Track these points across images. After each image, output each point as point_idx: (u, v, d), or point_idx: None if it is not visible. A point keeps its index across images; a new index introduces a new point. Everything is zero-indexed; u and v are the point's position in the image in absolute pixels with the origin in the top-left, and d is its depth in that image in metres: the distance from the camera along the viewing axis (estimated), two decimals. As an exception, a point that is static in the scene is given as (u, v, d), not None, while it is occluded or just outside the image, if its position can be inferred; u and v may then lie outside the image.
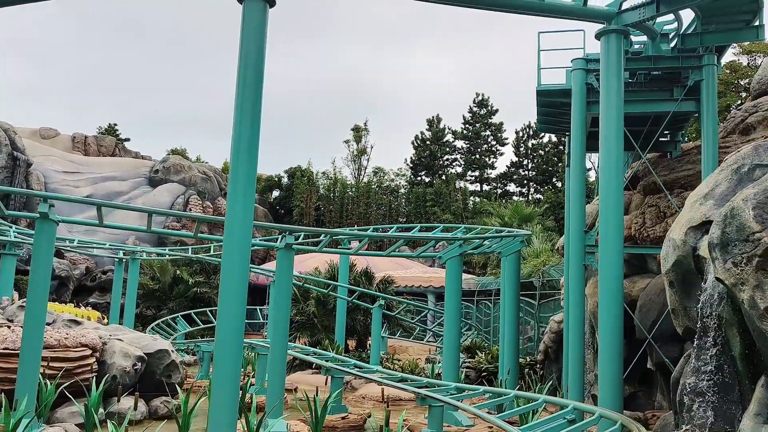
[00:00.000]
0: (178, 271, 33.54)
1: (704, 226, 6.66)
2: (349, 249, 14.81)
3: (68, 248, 26.93)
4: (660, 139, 14.10)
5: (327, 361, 14.01)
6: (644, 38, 11.65)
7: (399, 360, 22.32)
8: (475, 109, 55.26)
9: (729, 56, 42.94)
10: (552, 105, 13.05)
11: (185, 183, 45.63)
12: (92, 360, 12.73)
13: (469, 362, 19.78)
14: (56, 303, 29.93)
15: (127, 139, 61.64)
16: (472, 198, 51.40)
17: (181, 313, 29.06)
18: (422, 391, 10.54)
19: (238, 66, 8.07)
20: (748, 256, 5.60)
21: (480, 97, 55.35)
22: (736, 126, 12.45)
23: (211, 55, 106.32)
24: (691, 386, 6.78)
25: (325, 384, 15.49)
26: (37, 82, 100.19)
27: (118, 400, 11.78)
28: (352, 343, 25.91)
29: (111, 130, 61.81)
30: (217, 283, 31.22)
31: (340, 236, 15.67)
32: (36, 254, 10.17)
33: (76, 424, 11.02)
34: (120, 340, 13.71)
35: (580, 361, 11.13)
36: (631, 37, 12.22)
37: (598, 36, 10.13)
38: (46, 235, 10.22)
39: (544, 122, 14.09)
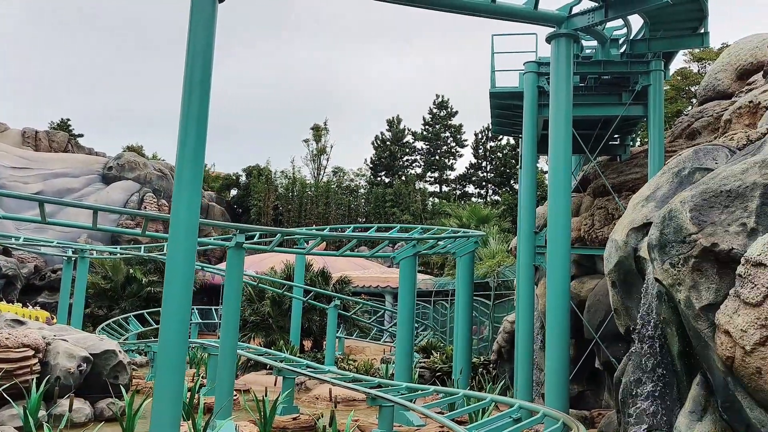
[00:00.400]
0: (131, 271, 32.87)
1: (645, 228, 6.79)
2: (303, 249, 14.66)
3: (14, 246, 26.10)
4: (610, 142, 14.36)
5: (279, 361, 13.87)
6: (596, 43, 11.85)
7: (355, 360, 22.27)
8: (435, 110, 55.57)
9: (680, 63, 44.04)
10: (505, 107, 13.17)
11: (140, 180, 44.76)
12: (34, 361, 12.34)
13: (424, 362, 19.85)
14: (2, 302, 29.04)
15: (81, 135, 60.14)
16: (431, 199, 51.68)
17: (134, 313, 28.48)
18: (372, 391, 10.50)
19: (186, 61, 7.89)
20: (684, 257, 5.71)
21: (440, 99, 55.70)
22: (682, 131, 12.76)
23: (170, 50, 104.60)
24: (632, 385, 6.90)
25: (275, 384, 15.37)
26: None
27: (55, 402, 11.43)
28: (308, 344, 25.75)
29: (64, 126, 60.23)
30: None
31: (294, 236, 15.50)
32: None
33: (15, 428, 10.68)
34: (65, 340, 13.33)
35: (530, 360, 11.25)
36: (583, 42, 12.44)
37: (548, 39, 10.25)
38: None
39: (499, 124, 14.22)
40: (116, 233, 36.87)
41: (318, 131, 54.22)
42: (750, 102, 8.68)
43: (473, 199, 52.75)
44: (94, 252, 22.23)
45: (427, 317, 31.29)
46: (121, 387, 13.51)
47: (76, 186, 42.81)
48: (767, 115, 8.01)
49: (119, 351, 13.96)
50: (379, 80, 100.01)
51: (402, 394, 10.75)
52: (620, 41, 11.84)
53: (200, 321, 30.85)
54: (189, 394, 11.75)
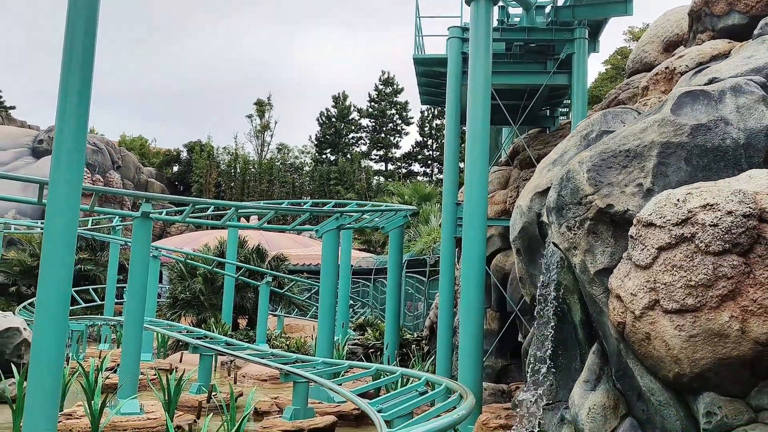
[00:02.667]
0: (60, 248, 31.47)
1: (549, 192, 6.50)
2: (216, 222, 14.04)
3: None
4: (539, 113, 14.17)
5: (196, 338, 13.33)
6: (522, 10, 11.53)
7: (291, 338, 21.83)
8: (380, 87, 54.93)
9: (620, 42, 44.49)
10: (431, 75, 12.77)
11: (73, 155, 42.97)
12: (-74, 340, 11.52)
13: (357, 339, 19.57)
14: None
15: (13, 108, 57.47)
16: (376, 177, 51.26)
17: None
18: (284, 367, 10.11)
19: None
20: (580, 220, 5.44)
21: (386, 75, 55.07)
22: (609, 103, 12.59)
23: (113, 21, 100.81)
24: (535, 356, 6.66)
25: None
26: None
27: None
28: (243, 322, 25.16)
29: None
30: (104, 260, 29.59)
31: (204, 206, 14.82)
32: None
33: None
34: (-37, 317, 12.50)
35: (449, 334, 10.99)
36: (510, 9, 12.12)
37: (468, 1, 9.86)
38: None
39: (427, 93, 13.83)
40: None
41: (261, 106, 53.02)
42: (666, 68, 8.48)
43: (419, 177, 52.54)
44: (12, 227, 21.05)
45: (368, 295, 31.02)
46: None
47: (5, 159, 40.85)
48: (681, 80, 7.82)
49: (24, 328, 13.17)
50: (324, 56, 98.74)
51: (317, 370, 10.38)
52: (546, 9, 11.56)
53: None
54: (96, 373, 11.15)
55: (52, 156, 7.25)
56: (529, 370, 7.06)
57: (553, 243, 5.85)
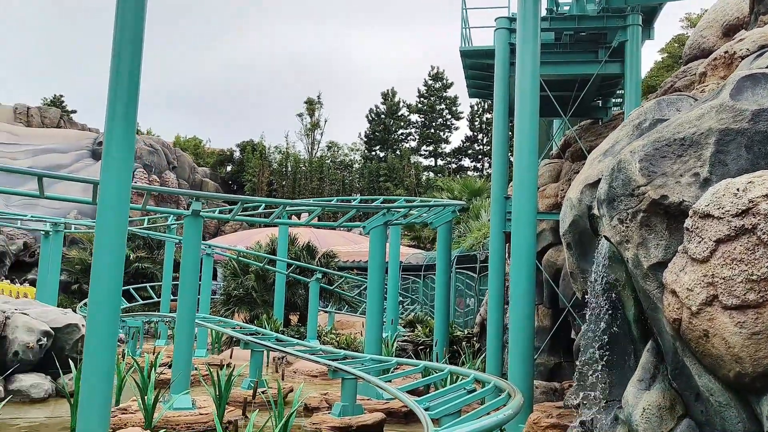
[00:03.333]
0: (120, 246, 32.44)
1: (599, 184, 6.25)
2: (264, 219, 14.13)
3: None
4: (591, 104, 13.78)
5: (247, 335, 13.47)
6: (573, -2, 11.22)
7: (341, 334, 21.91)
8: (430, 82, 54.63)
9: (677, 29, 43.03)
10: (479, 67, 12.56)
11: (131, 156, 44.22)
12: (-9, 335, 11.98)
13: (407, 336, 19.49)
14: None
15: (74, 111, 59.56)
16: (425, 173, 51.03)
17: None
18: (332, 363, 10.10)
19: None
20: (633, 212, 5.19)
21: (435, 71, 54.73)
22: (665, 91, 12.13)
23: (169, 26, 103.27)
24: (586, 354, 6.43)
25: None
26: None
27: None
28: (294, 318, 25.38)
29: (57, 102, 59.59)
30: (161, 258, 30.31)
31: (254, 204, 14.96)
32: None
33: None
34: (25, 314, 12.94)
35: (500, 331, 10.78)
36: (560, -3, 11.79)
37: (515, -9, 9.63)
38: None
39: (474, 86, 13.61)
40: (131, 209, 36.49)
41: (312, 105, 53.46)
42: (725, 53, 8.06)
43: (469, 172, 52.08)
44: (72, 227, 21.76)
45: (417, 291, 30.89)
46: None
47: (65, 161, 42.33)
48: (742, 65, 7.43)
49: (83, 325, 13.56)
50: (374, 53, 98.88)
51: (365, 367, 10.34)
52: (597, -4, 11.21)
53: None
54: (150, 368, 11.38)
55: (103, 157, 7.39)
56: (580, 369, 6.83)
57: (605, 236, 5.62)
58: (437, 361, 13.83)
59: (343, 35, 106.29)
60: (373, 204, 12.79)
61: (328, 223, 17.59)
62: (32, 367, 12.41)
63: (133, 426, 9.28)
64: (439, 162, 54.28)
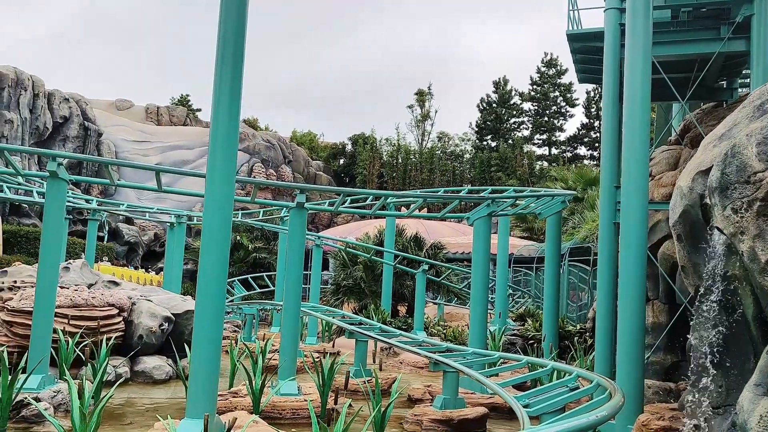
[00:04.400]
0: (238, 237, 34.07)
1: (711, 170, 5.76)
2: (366, 211, 14.24)
3: (121, 212, 27.79)
4: (714, 86, 12.79)
5: (352, 324, 13.70)
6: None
7: (448, 326, 21.82)
8: (543, 69, 53.01)
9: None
10: (588, 51, 11.97)
11: (249, 151, 46.24)
12: (119, 320, 12.89)
13: (516, 330, 19.08)
14: (125, 268, 31.06)
15: (199, 110, 63.00)
16: (539, 162, 49.68)
17: (239, 278, 29.54)
18: (434, 356, 10.04)
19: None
20: (748, 201, 4.74)
21: (548, 57, 53.04)
22: (799, 68, 11.06)
23: (291, 26, 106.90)
24: (698, 354, 5.99)
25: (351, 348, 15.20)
26: (115, 56, 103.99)
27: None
28: (402, 309, 25.55)
29: (184, 101, 63.26)
30: (276, 249, 31.52)
31: (358, 196, 15.13)
32: (48, 213, 10.21)
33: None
34: (149, 300, 13.84)
35: (610, 328, 10.26)
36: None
37: (625, -33, 9.07)
38: (56, 194, 10.24)
39: (583, 71, 13.00)
40: (238, 202, 38.47)
41: (422, 96, 53.46)
42: None
43: (585, 161, 50.15)
44: (194, 219, 23.05)
45: (529, 284, 30.16)
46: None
47: (191, 157, 44.93)
48: None
49: (200, 311, 14.32)
50: (484, 41, 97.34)
51: (466, 360, 10.21)
52: (719, -33, 10.36)
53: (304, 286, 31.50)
54: (260, 354, 11.84)
55: (208, 152, 7.74)
56: (694, 370, 6.37)
57: (716, 228, 5.17)
58: (544, 357, 13.43)
59: (452, 24, 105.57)
60: (476, 194, 12.54)
61: (429, 215, 17.47)
62: (155, 350, 13.26)
63: (242, 409, 9.68)
64: (554, 151, 52.65)
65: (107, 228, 37.74)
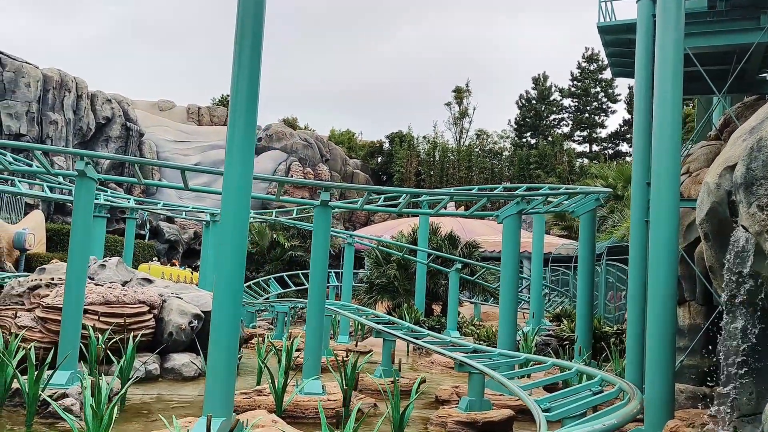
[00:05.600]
0: (275, 235, 34.30)
1: (737, 166, 5.45)
2: (392, 209, 14.10)
3: (157, 210, 28.27)
4: (757, 78, 12.28)
5: (382, 323, 13.59)
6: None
7: (483, 326, 21.54)
8: (584, 64, 51.99)
9: None
10: (621, 44, 11.61)
11: (287, 150, 46.55)
12: (149, 317, 13.03)
13: (551, 330, 18.72)
14: (165, 266, 31.64)
15: (236, 110, 63.63)
16: (579, 159, 48.75)
17: (274, 276, 29.72)
18: (458, 356, 9.86)
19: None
20: (775, 198, 4.45)
21: (589, 52, 51.99)
22: None
23: (333, 25, 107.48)
24: (726, 359, 5.69)
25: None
26: (160, 57, 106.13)
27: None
28: (437, 308, 25.34)
29: (224, 102, 64.08)
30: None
31: (385, 194, 14.98)
32: (76, 211, 10.37)
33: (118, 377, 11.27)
34: (180, 298, 13.98)
35: (640, 330, 9.92)
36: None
37: (655, -45, 8.72)
38: (85, 192, 10.38)
39: (616, 65, 12.63)
40: (264, 200, 38.85)
41: (460, 93, 53.02)
42: None
43: (627, 158, 49.02)
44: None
45: (567, 284, 29.61)
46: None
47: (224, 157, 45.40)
48: None
49: (230, 309, 14.40)
50: (523, 37, 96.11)
51: (492, 361, 10.00)
52: (759, -47, 9.90)
53: (337, 284, 31.56)
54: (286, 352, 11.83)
55: (226, 151, 7.71)
56: (723, 375, 6.07)
57: (742, 226, 4.89)
58: (577, 359, 13.11)
59: (490, 20, 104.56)
60: (505, 192, 12.29)
61: (457, 213, 17.24)
62: (184, 347, 13.37)
63: (265, 408, 9.66)
64: (594, 148, 51.62)
65: (149, 226, 38.50)
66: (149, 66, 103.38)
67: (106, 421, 6.08)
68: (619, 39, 11.49)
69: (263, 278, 29.17)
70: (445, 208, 14.28)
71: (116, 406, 6.56)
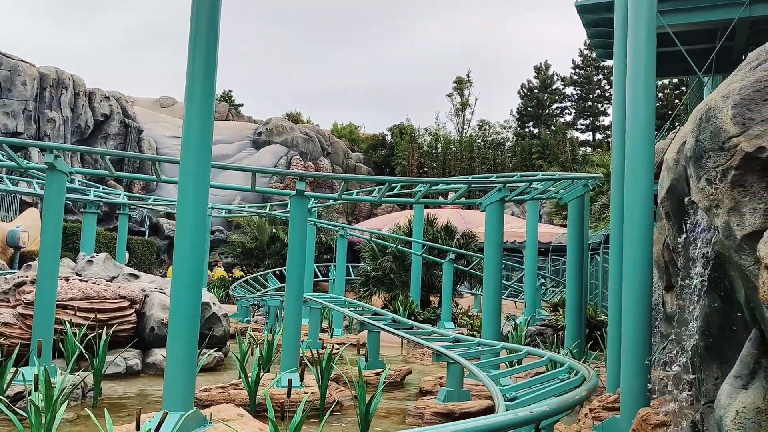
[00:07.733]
0: (274, 230, 34.17)
1: (687, 138, 5.19)
2: (372, 198, 13.87)
3: (145, 206, 28.16)
4: (743, 57, 11.93)
5: (367, 315, 13.40)
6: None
7: (477, 317, 21.32)
8: (586, 51, 51.37)
9: None
10: (601, 23, 11.29)
11: (287, 144, 46.40)
12: (130, 312, 12.91)
13: (546, 320, 18.49)
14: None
15: (241, 105, 63.70)
16: (582, 148, 48.30)
17: (271, 270, 29.60)
18: (434, 346, 9.66)
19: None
20: (723, 170, 4.20)
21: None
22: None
23: (336, 20, 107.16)
24: (682, 343, 5.46)
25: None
26: (165, 55, 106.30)
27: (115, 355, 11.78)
28: (435, 300, 25.13)
29: (226, 97, 64.00)
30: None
31: (361, 182, 14.75)
32: (47, 205, 10.24)
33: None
34: (162, 292, 13.83)
35: (619, 317, 9.65)
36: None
37: (626, -72, 8.42)
38: (55, 186, 10.24)
39: (600, 45, 12.31)
40: (267, 194, 38.69)
41: (461, 84, 52.63)
42: None
43: (631, 146, 48.50)
44: (223, 211, 23.18)
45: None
46: (218, 338, 13.83)
47: (230, 151, 45.34)
48: None
49: (213, 303, 14.28)
50: (523, 26, 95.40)
51: (470, 351, 9.80)
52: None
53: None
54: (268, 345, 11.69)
55: (182, 143, 7.45)
56: (688, 362, 5.83)
57: (692, 200, 4.64)
58: (566, 348, 12.88)
59: (490, 11, 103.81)
60: (484, 180, 12.05)
61: (438, 201, 16.99)
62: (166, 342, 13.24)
63: (239, 402, 9.49)
64: (598, 136, 51.12)
65: (149, 223, 38.48)
66: (159, 64, 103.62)
67: (49, 418, 5.90)
68: (599, 18, 11.19)
69: (261, 273, 29.06)
70: (426, 197, 14.00)
71: (66, 402, 6.38)
